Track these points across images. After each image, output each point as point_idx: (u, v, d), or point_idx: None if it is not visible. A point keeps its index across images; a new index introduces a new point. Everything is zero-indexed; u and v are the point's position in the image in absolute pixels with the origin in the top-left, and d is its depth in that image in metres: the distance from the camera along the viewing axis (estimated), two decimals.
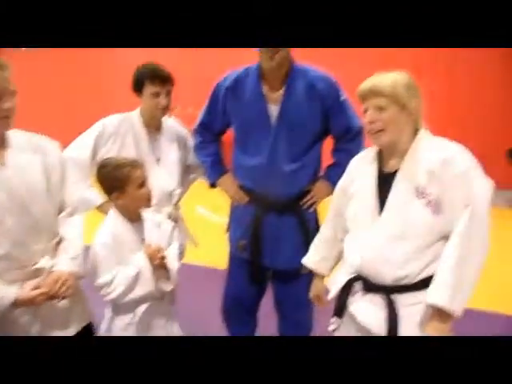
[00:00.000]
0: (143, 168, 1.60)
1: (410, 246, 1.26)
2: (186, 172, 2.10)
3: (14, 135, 1.32)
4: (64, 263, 1.34)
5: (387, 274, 1.29)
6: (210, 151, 1.94)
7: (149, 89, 1.86)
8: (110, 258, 1.51)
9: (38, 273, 1.31)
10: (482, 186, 1.23)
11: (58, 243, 1.38)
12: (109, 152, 1.85)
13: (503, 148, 6.54)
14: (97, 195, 1.85)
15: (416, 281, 1.27)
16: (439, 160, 1.23)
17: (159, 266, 1.55)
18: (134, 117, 1.94)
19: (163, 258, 1.55)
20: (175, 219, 1.98)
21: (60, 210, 1.41)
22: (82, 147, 1.88)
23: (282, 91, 1.71)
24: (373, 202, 1.33)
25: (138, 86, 1.88)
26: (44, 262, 1.31)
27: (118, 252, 1.53)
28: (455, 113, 7.08)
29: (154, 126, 1.95)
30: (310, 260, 1.59)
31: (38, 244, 1.31)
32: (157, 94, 1.85)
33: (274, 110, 1.72)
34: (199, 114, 1.94)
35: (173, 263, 1.59)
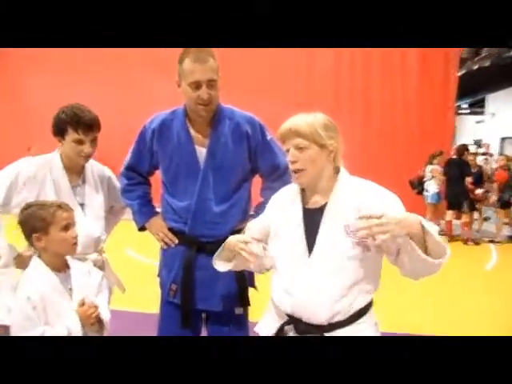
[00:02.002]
0: (71, 212, 1.52)
1: (341, 283, 1.29)
2: (110, 213, 2.01)
3: None
4: None
5: (321, 313, 1.29)
6: (137, 194, 1.90)
7: (71, 135, 1.73)
8: (33, 314, 1.39)
9: None
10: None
11: None
12: (27, 199, 1.68)
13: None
14: (9, 247, 1.69)
15: (347, 316, 1.30)
16: (367, 199, 1.29)
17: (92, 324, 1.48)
18: (54, 160, 1.81)
19: (97, 317, 1.48)
20: (101, 266, 1.88)
21: None
22: None
23: (208, 133, 1.74)
24: (301, 241, 1.33)
25: (60, 131, 1.75)
26: None
27: (43, 305, 1.41)
28: (369, 151, 7.73)
29: (75, 170, 1.84)
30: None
31: None
32: (80, 142, 1.74)
33: (201, 151, 1.74)
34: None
35: (105, 315, 1.52)
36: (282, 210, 1.41)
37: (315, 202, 1.36)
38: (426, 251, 1.20)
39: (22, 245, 1.67)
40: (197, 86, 1.63)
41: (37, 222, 1.45)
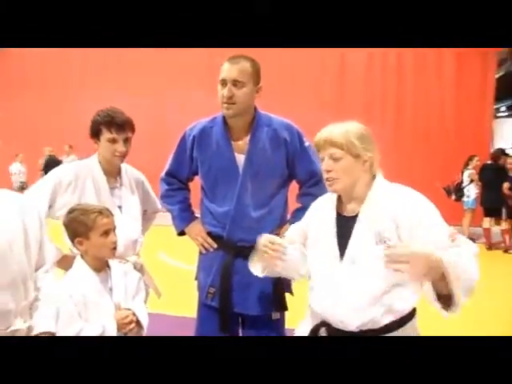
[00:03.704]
0: (111, 218, 1.58)
1: (371, 291, 1.27)
2: (142, 219, 2.04)
3: None
4: (45, 324, 1.33)
5: (350, 320, 1.29)
6: (177, 199, 1.94)
7: (105, 135, 1.80)
8: (75, 310, 1.46)
9: (13, 334, 1.25)
10: (442, 230, 1.28)
11: (32, 303, 1.35)
12: (69, 202, 1.76)
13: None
14: (56, 249, 1.76)
15: (379, 326, 1.29)
16: (404, 207, 1.29)
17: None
18: (93, 163, 1.88)
19: (132, 329, 1.53)
20: (140, 268, 1.93)
21: (37, 267, 1.39)
22: (37, 198, 1.78)
23: (247, 140, 1.77)
24: (333, 247, 1.34)
25: (95, 132, 1.83)
26: (20, 324, 1.27)
27: (84, 302, 1.48)
28: (401, 155, 7.58)
29: (112, 173, 1.90)
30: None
31: (11, 304, 1.26)
32: (113, 141, 1.80)
33: (240, 158, 1.77)
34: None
35: (143, 319, 1.57)
36: (318, 217, 1.43)
37: (351, 209, 1.37)
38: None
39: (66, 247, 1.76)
40: (223, 83, 1.70)
41: (79, 227, 1.53)
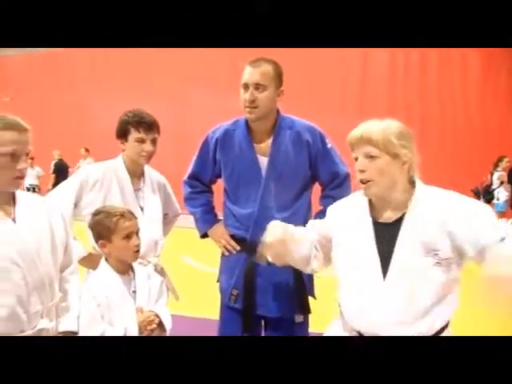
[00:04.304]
0: (134, 220, 1.59)
1: (418, 306, 1.18)
2: (163, 222, 2.05)
3: (21, 194, 1.35)
4: (70, 323, 1.39)
5: (390, 333, 1.20)
6: (200, 201, 1.95)
7: (133, 135, 1.82)
8: (97, 312, 1.47)
9: (39, 334, 1.28)
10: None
11: (58, 303, 1.39)
12: (94, 201, 1.80)
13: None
14: (80, 247, 1.80)
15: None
16: (453, 209, 1.18)
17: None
18: (118, 164, 1.90)
19: (153, 330, 1.54)
20: (160, 270, 1.94)
21: (63, 268, 1.42)
22: (64, 196, 1.82)
23: (269, 142, 1.77)
24: (374, 259, 1.23)
25: (123, 133, 1.85)
26: (46, 323, 1.30)
27: (107, 303, 1.50)
28: (428, 156, 7.42)
29: (136, 174, 1.92)
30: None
31: (38, 305, 1.29)
32: (142, 141, 1.82)
33: (263, 160, 1.77)
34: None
35: (167, 322, 1.58)
36: (347, 222, 1.31)
37: (387, 216, 1.25)
38: None
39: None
40: (245, 87, 1.70)
41: (102, 230, 1.54)
